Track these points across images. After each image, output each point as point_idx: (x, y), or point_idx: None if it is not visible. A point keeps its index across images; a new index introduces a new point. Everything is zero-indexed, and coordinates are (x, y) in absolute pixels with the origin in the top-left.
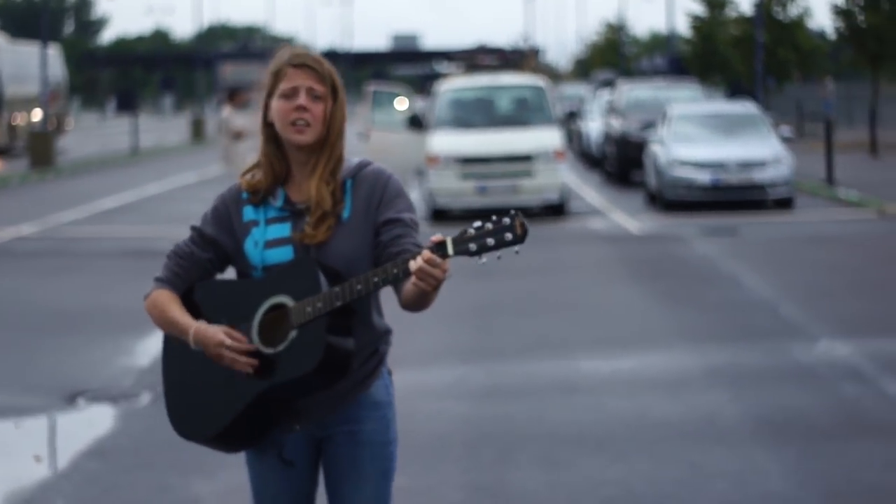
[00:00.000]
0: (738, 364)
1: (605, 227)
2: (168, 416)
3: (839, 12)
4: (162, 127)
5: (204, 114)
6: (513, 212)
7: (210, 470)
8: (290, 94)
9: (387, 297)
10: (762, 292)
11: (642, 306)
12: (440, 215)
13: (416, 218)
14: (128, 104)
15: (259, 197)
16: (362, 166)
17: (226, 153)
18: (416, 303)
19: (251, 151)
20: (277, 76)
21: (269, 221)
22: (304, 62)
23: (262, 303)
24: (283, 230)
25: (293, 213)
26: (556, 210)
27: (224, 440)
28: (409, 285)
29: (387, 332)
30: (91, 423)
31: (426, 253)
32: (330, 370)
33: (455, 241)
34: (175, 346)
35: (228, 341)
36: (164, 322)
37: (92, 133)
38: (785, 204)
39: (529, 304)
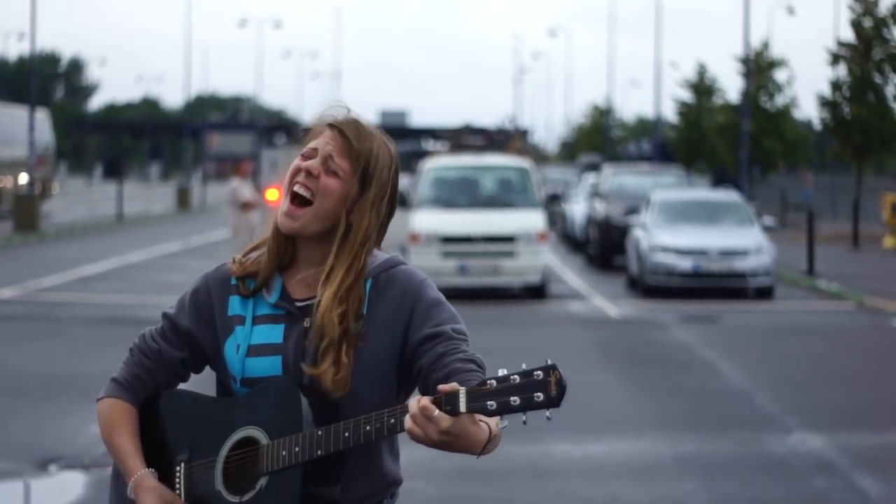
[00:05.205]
0: (710, 453)
1: (585, 311)
2: None
3: (825, 103)
4: (148, 195)
5: (190, 183)
6: (549, 362)
7: None
8: (306, 156)
9: None
10: (738, 381)
11: (617, 391)
12: None
13: (464, 327)
14: (114, 171)
15: (250, 289)
16: (390, 265)
17: (234, 224)
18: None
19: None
20: (309, 135)
21: (256, 320)
22: (338, 126)
23: (231, 434)
24: (273, 334)
25: (289, 313)
26: (536, 292)
27: None
28: None
29: (395, 483)
30: (62, 490)
31: (422, 399)
32: None
33: (470, 394)
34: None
35: None
36: (109, 445)
37: (78, 198)
38: (765, 293)
39: None
